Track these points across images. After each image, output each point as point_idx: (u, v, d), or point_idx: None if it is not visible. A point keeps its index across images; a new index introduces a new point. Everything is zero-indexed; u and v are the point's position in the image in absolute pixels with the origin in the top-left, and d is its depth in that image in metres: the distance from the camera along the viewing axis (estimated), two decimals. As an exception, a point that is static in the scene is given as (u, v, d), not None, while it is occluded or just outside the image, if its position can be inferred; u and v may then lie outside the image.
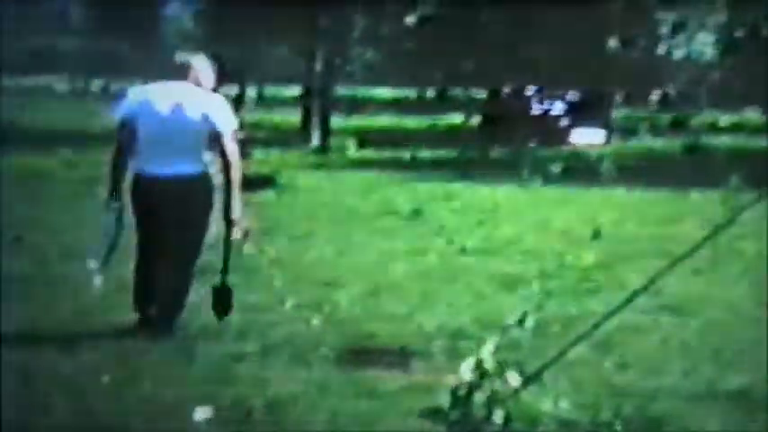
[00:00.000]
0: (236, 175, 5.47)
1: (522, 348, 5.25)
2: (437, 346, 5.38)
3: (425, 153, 20.78)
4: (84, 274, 5.79)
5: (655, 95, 36.36)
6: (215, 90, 5.67)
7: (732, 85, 34.01)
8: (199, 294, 5.76)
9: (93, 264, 5.58)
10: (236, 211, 5.51)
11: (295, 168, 16.53)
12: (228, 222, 5.54)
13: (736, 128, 30.69)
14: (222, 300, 5.68)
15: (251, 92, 45.21)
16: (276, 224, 9.84)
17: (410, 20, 27.87)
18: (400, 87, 48.06)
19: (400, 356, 5.21)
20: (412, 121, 33.48)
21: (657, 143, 24.76)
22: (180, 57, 5.72)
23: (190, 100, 5.45)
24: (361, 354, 5.25)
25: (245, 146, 20.86)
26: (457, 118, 33.27)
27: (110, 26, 45.09)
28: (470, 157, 19.94)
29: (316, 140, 23.56)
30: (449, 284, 7.09)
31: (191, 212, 5.48)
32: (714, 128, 30.63)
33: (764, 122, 32.76)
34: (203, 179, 5.52)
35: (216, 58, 6.06)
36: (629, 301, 4.12)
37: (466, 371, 3.67)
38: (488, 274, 7.42)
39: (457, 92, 39.43)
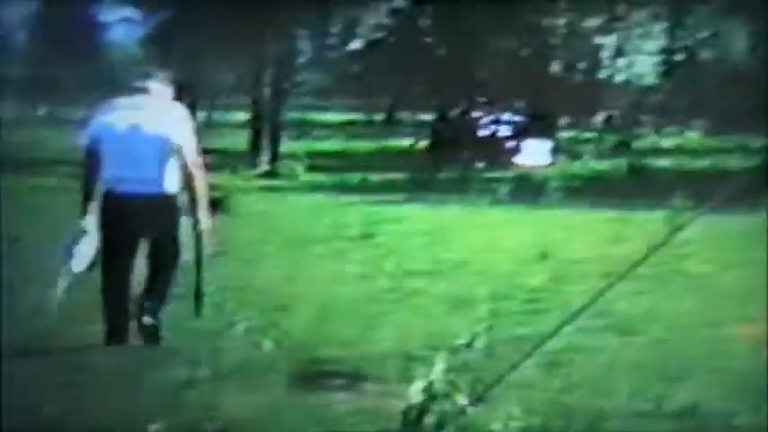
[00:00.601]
0: (199, 188, 5.66)
1: (472, 369, 5.29)
2: (388, 369, 5.40)
3: (375, 176, 20.85)
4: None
5: (599, 117, 36.94)
6: None
7: (673, 107, 34.71)
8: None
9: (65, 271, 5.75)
10: (204, 223, 5.73)
11: (244, 192, 16.48)
12: (197, 232, 5.74)
13: (678, 149, 31.27)
14: (195, 305, 5.92)
15: (200, 116, 44.95)
16: (226, 248, 9.78)
17: (357, 44, 28.03)
18: (349, 111, 48.19)
19: (351, 379, 5.22)
20: (361, 145, 33.58)
21: (602, 164, 25.13)
22: (139, 82, 5.90)
23: (148, 118, 5.65)
24: (312, 377, 5.25)
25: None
26: (405, 141, 33.45)
27: (53, 52, 44.61)
28: (419, 180, 20.06)
29: (265, 164, 23.52)
30: (399, 307, 7.13)
31: (158, 224, 5.69)
32: (657, 149, 31.19)
33: (705, 143, 33.47)
34: (166, 195, 5.70)
35: (173, 82, 6.21)
36: (571, 319, 4.19)
37: (416, 393, 3.70)
38: (438, 296, 7.47)
39: (405, 115, 39.65)
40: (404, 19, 28.30)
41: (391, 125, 41.19)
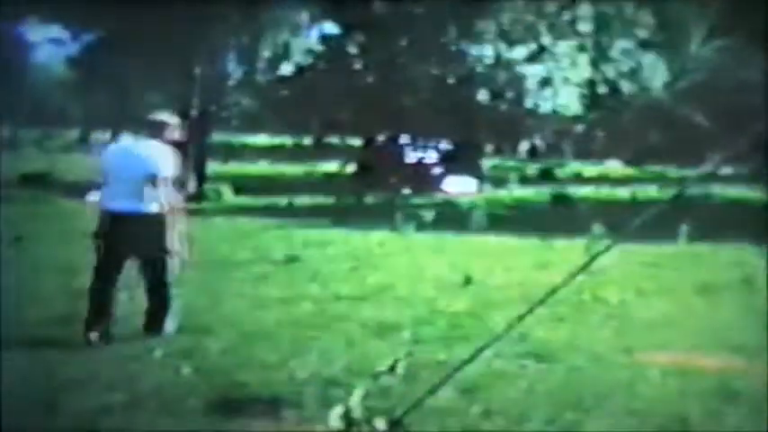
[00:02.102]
0: (170, 213, 6.66)
1: (392, 395, 5.30)
2: (308, 395, 5.38)
3: (301, 200, 20.81)
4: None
5: (523, 146, 37.53)
6: (184, 142, 7.14)
7: (595, 137, 35.46)
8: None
9: None
10: (172, 243, 6.67)
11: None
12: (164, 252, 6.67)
13: (599, 178, 31.92)
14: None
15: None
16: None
17: (287, 69, 28.06)
18: (277, 135, 48.08)
19: (271, 405, 5.18)
20: (288, 169, 33.51)
21: (526, 192, 25.51)
22: (155, 116, 7.07)
23: (141, 153, 6.75)
24: (231, 403, 5.20)
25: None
26: (333, 165, 33.49)
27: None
28: (346, 205, 20.09)
29: (191, 187, 23.29)
30: (322, 332, 7.11)
31: (150, 241, 6.63)
32: (579, 178, 31.79)
33: (625, 173, 34.24)
34: (153, 214, 6.64)
35: (182, 115, 7.15)
36: (490, 344, 4.24)
37: (334, 419, 3.70)
38: (361, 321, 7.47)
39: (333, 140, 39.73)
40: (333, 45, 28.45)
41: (319, 150, 41.21)
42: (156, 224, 6.64)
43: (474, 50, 27.72)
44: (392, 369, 5.81)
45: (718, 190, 23.22)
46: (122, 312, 7.27)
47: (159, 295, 6.75)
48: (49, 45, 39.64)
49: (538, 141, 36.85)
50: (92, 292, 6.68)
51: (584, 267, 4.46)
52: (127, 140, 7.30)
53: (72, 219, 15.39)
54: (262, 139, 48.87)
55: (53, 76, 44.33)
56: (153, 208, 6.65)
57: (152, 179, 6.63)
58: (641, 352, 6.62)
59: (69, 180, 24.69)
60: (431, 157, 26.93)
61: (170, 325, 6.79)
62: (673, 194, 15.35)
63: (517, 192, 25.55)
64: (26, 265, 9.71)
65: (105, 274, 6.68)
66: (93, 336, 6.47)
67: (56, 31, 35.89)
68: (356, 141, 32.24)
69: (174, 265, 6.73)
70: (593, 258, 4.34)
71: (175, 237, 6.69)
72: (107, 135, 42.47)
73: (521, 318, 4.32)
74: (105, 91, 35.71)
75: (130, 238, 6.65)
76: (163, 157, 6.73)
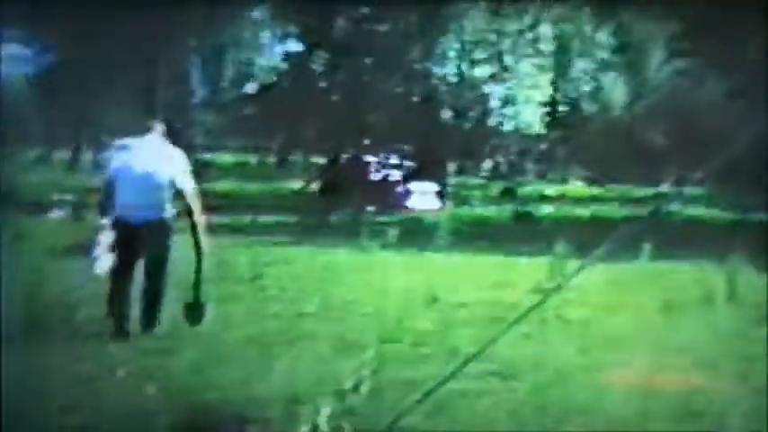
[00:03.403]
0: (198, 218, 7.35)
1: (357, 413, 5.29)
2: (274, 413, 5.36)
3: (266, 218, 20.75)
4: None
5: (486, 164, 37.76)
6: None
7: (557, 156, 35.77)
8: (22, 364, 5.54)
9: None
10: (204, 246, 7.35)
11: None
12: (199, 253, 7.33)
13: (561, 197, 32.18)
14: (195, 311, 7.44)
15: (87, 156, 43.97)
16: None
17: (251, 87, 28.04)
18: (241, 152, 47.95)
19: (236, 424, 5.15)
20: (252, 187, 33.40)
21: (489, 210, 25.65)
22: (142, 130, 7.60)
23: (159, 161, 7.28)
24: (196, 423, 5.17)
25: (77, 210, 20.18)
26: (297, 183, 33.44)
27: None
28: (310, 222, 20.06)
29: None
30: (287, 349, 7.09)
31: (157, 246, 7.24)
32: (541, 197, 32.03)
33: (587, 192, 34.56)
34: (165, 221, 7.29)
35: (167, 123, 7.85)
36: (461, 367, 4.26)
37: (302, 437, 3.69)
38: (325, 339, 7.46)
39: (297, 158, 39.71)
40: (297, 63, 28.48)
41: (283, 167, 41.17)
42: (165, 228, 7.28)
43: (437, 69, 27.90)
44: (357, 387, 5.80)
45: (678, 208, 23.51)
46: (80, 331, 7.20)
47: (156, 294, 7.25)
48: (7, 62, 39.26)
49: (501, 160, 37.10)
50: (111, 293, 7.22)
51: (562, 285, 4.49)
52: (138, 146, 7.53)
53: (32, 236, 15.21)
54: (226, 158, 48.68)
55: (12, 93, 43.93)
56: (164, 214, 7.26)
57: (170, 187, 7.23)
58: (605, 370, 6.67)
59: (29, 197, 24.41)
60: (395, 174, 27.01)
61: (160, 322, 7.35)
62: (649, 212, 15.50)
63: (480, 210, 25.69)
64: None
65: (122, 274, 7.24)
66: (126, 327, 7.15)
67: (15, 48, 35.53)
68: (321, 159, 32.26)
69: (202, 260, 7.41)
70: (570, 277, 4.37)
71: (202, 235, 7.39)
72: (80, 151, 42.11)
73: (497, 337, 4.35)
74: (66, 110, 35.38)
75: (141, 242, 7.20)
76: (179, 162, 7.36)
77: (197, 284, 7.46)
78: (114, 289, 7.23)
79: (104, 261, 7.27)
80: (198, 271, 7.45)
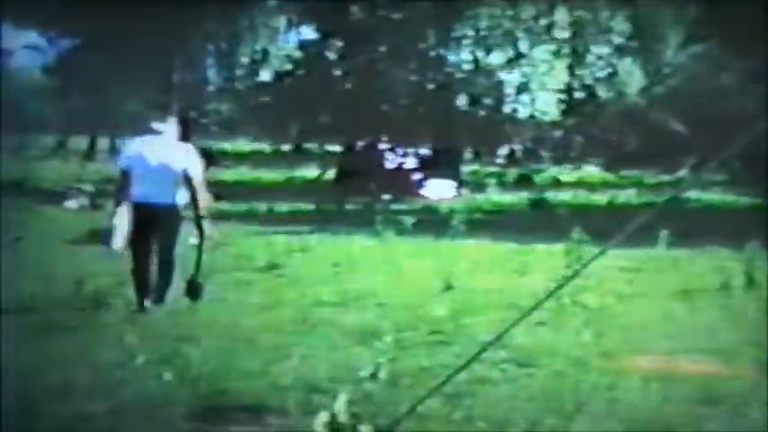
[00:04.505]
0: (203, 203, 8.13)
1: (375, 401, 5.31)
2: (291, 401, 5.38)
3: (282, 206, 20.79)
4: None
5: (502, 151, 37.64)
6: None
7: (573, 143, 35.61)
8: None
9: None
10: (207, 233, 8.18)
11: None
12: (201, 235, 8.15)
13: (577, 183, 32.07)
14: (194, 289, 8.16)
15: (103, 144, 44.14)
16: (126, 278, 9.61)
17: (266, 75, 28.03)
18: (256, 141, 48.00)
19: (254, 412, 5.18)
20: (268, 175, 33.44)
21: (505, 197, 25.59)
22: (156, 124, 8.32)
23: (171, 154, 8.12)
24: (214, 410, 5.19)
25: (94, 199, 20.25)
26: (313, 171, 33.46)
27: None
28: (326, 210, 20.08)
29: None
30: (304, 338, 7.11)
31: (167, 228, 8.07)
32: (557, 183, 31.92)
33: (603, 178, 34.42)
34: (176, 206, 8.13)
35: (181, 118, 8.80)
36: (478, 354, 4.26)
37: (319, 425, 3.71)
38: (343, 327, 7.48)
39: (312, 146, 39.74)
40: (312, 51, 28.45)
41: (298, 156, 41.23)
42: (176, 213, 8.11)
43: (452, 56, 27.81)
44: (374, 375, 5.82)
45: (695, 194, 23.39)
46: (99, 320, 7.24)
47: (167, 271, 8.04)
48: (24, 51, 39.41)
49: (516, 146, 36.98)
50: (133, 271, 8.08)
51: (577, 272, 4.48)
52: (151, 140, 8.25)
53: (49, 226, 15.30)
54: (241, 146, 48.76)
55: (29, 82, 44.09)
56: (176, 199, 8.08)
57: (184, 175, 8.02)
58: (622, 356, 6.66)
59: (47, 186, 24.53)
60: (410, 162, 26.97)
61: (170, 297, 8.05)
62: (666, 198, 15.41)
63: (496, 197, 25.63)
64: (5, 272, 9.63)
65: (142, 256, 8.06)
66: (147, 302, 7.91)
67: (32, 37, 35.67)
68: (336, 147, 32.26)
69: (207, 245, 8.23)
70: (585, 264, 4.36)
71: (208, 224, 8.16)
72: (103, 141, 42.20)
73: (513, 324, 4.34)
74: (82, 98, 35.49)
75: (154, 224, 8.03)
76: (191, 156, 8.16)
77: (198, 264, 8.16)
78: (134, 265, 8.13)
79: (120, 238, 8.11)
80: (199, 252, 8.19)
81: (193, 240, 8.24)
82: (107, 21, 24.73)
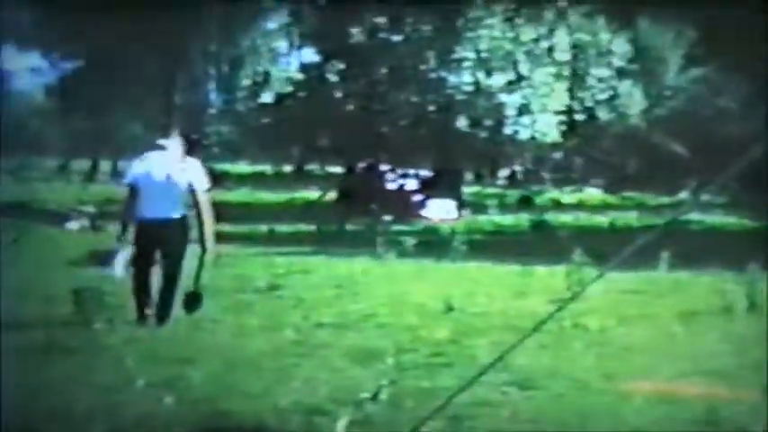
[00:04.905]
0: (207, 218, 8.30)
1: (376, 423, 5.29)
2: (293, 423, 5.36)
3: (283, 227, 20.80)
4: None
5: (503, 173, 37.70)
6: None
7: (574, 164, 35.63)
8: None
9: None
10: (209, 243, 8.34)
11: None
12: (203, 248, 8.31)
13: (578, 205, 32.07)
14: (193, 300, 8.34)
15: (105, 166, 44.23)
16: (127, 300, 9.60)
17: (267, 97, 28.14)
18: (258, 162, 48.11)
19: (255, 434, 5.16)
20: (269, 196, 33.47)
21: (506, 219, 25.58)
22: (161, 141, 8.59)
23: (177, 170, 8.29)
24: (214, 432, 5.17)
25: (95, 221, 20.27)
26: (314, 193, 33.49)
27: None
28: (327, 232, 20.08)
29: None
30: (305, 360, 7.09)
31: (174, 242, 8.25)
32: (558, 204, 31.93)
33: (604, 200, 34.45)
34: (183, 220, 8.32)
35: (185, 138, 8.81)
36: (479, 375, 4.25)
37: (321, 447, 3.69)
38: (344, 349, 7.46)
39: (313, 167, 39.81)
40: (313, 73, 28.56)
41: (300, 177, 41.30)
42: (181, 227, 8.27)
43: (453, 78, 27.90)
44: (375, 397, 5.80)
45: (696, 217, 23.39)
46: (99, 342, 7.22)
47: (171, 284, 8.19)
48: (27, 73, 39.54)
49: (517, 168, 37.05)
50: (135, 282, 8.22)
51: (577, 295, 4.48)
52: (157, 157, 8.45)
53: (50, 247, 15.31)
54: (242, 167, 48.86)
55: (32, 104, 44.23)
56: (182, 214, 8.28)
57: (189, 190, 8.22)
58: (623, 379, 6.63)
59: (48, 208, 24.56)
60: (411, 184, 27.00)
61: (174, 310, 8.22)
62: (667, 221, 15.42)
63: (497, 218, 25.63)
64: (5, 293, 9.62)
65: (143, 268, 8.20)
66: (148, 312, 8.09)
67: (34, 59, 35.79)
68: (337, 169, 32.30)
69: (209, 258, 8.37)
70: (585, 286, 4.35)
71: (211, 236, 8.33)
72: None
73: (514, 346, 4.33)
74: (84, 120, 35.58)
75: (161, 239, 8.21)
76: (195, 170, 8.37)
77: (197, 277, 8.33)
78: (137, 280, 8.25)
79: (122, 264, 8.39)
80: (200, 264, 8.33)
81: (195, 253, 8.37)
82: (109, 43, 24.84)
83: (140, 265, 8.31)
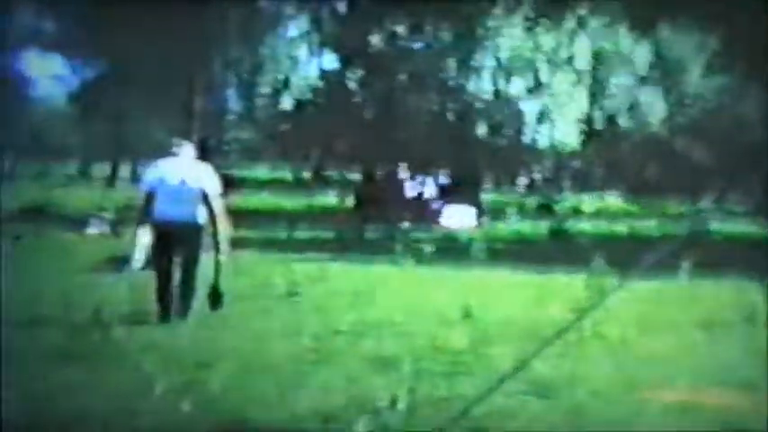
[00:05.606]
0: (220, 222, 8.67)
1: (393, 431, 5.27)
2: (309, 430, 5.35)
3: (301, 233, 20.81)
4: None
5: (522, 181, 37.61)
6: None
7: (594, 172, 35.49)
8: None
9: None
10: (223, 247, 8.72)
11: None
12: (217, 251, 8.70)
13: (598, 213, 31.94)
14: (216, 298, 8.82)
15: (124, 171, 44.45)
16: (146, 305, 9.62)
17: (287, 103, 28.19)
18: (276, 168, 48.22)
19: (272, 441, 5.14)
20: (288, 202, 33.53)
21: (525, 226, 25.51)
22: (175, 146, 8.93)
23: (190, 174, 8.65)
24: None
25: (115, 226, 20.34)
26: (332, 199, 33.51)
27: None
28: (345, 238, 20.08)
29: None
30: (323, 366, 7.08)
31: (189, 246, 8.62)
32: (577, 212, 31.81)
33: (624, 208, 34.28)
34: (196, 223, 8.64)
35: (201, 141, 9.07)
36: (499, 384, 4.22)
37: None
38: (362, 356, 7.45)
39: (332, 173, 39.85)
40: (332, 80, 28.60)
41: (319, 182, 41.34)
42: (197, 231, 8.61)
43: (472, 85, 27.85)
44: (393, 405, 5.78)
45: (717, 225, 23.23)
46: (118, 348, 7.24)
47: (189, 285, 8.59)
48: (48, 78, 39.79)
49: (536, 175, 36.94)
50: (156, 284, 8.59)
51: (598, 303, 4.44)
52: (170, 163, 8.78)
53: (70, 252, 15.37)
54: (261, 172, 48.98)
55: (52, 109, 44.54)
56: (197, 216, 8.57)
57: (203, 195, 8.51)
58: (643, 388, 6.59)
59: (68, 213, 24.69)
60: (430, 190, 26.96)
61: (192, 310, 8.60)
62: (688, 229, 15.33)
63: (516, 225, 25.56)
64: (25, 296, 9.67)
65: (164, 269, 8.58)
66: (170, 312, 8.50)
67: (56, 64, 36.02)
68: (356, 175, 32.31)
69: (223, 260, 8.71)
70: (605, 295, 4.32)
71: (225, 239, 8.67)
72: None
73: (534, 355, 4.30)
74: (104, 125, 35.77)
75: (177, 242, 8.55)
76: (208, 174, 8.68)
77: (216, 274, 8.74)
78: (158, 282, 8.64)
79: (140, 258, 8.68)
80: (217, 264, 8.75)
81: (211, 254, 8.72)
82: (129, 49, 24.97)
83: (160, 267, 8.67)
